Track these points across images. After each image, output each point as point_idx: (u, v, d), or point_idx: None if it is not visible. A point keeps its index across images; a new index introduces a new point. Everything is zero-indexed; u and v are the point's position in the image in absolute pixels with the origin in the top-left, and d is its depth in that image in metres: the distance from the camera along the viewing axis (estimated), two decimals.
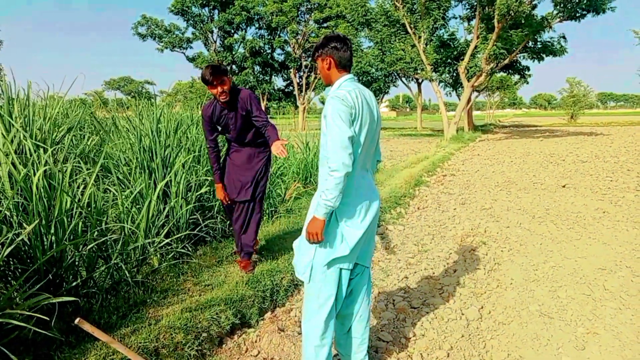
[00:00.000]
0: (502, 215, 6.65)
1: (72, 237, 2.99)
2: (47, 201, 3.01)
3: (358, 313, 2.56)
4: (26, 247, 2.83)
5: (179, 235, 3.99)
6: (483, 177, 10.37)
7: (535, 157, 14.53)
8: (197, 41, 42.85)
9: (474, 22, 26.29)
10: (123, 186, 4.26)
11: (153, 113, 4.90)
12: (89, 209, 3.15)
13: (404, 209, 7.08)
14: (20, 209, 3.00)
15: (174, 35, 41.94)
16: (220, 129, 3.84)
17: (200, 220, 4.54)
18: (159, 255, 3.85)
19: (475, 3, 23.73)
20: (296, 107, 43.22)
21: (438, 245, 5.28)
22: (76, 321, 2.16)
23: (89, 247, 2.98)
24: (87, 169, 3.70)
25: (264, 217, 5.80)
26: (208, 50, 42.64)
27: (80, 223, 3.01)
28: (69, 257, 2.90)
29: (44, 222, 2.87)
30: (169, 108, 6.65)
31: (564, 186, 8.90)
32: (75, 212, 3.05)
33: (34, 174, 3.10)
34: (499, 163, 13.10)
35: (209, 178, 4.83)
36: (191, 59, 42.67)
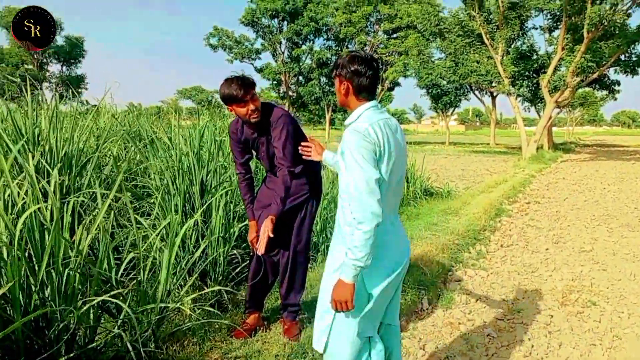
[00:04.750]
0: (608, 262, 5.43)
1: (66, 294, 2.31)
2: (40, 245, 2.37)
3: None
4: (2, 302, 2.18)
5: (209, 289, 3.18)
6: (575, 207, 8.98)
7: (631, 183, 12.75)
8: (266, 52, 43.29)
9: (556, 33, 24.34)
10: (149, 218, 3.59)
11: (196, 128, 4.24)
12: (91, 257, 2.46)
13: (485, 247, 6.01)
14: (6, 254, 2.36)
15: (244, 47, 42.60)
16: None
17: (240, 258, 3.80)
18: (189, 302, 3.13)
19: (559, 13, 21.88)
20: None
21: (533, 303, 4.22)
22: None
23: (85, 307, 2.29)
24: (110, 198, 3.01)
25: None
26: (276, 61, 42.94)
27: (78, 277, 2.32)
28: (57, 322, 2.22)
29: (29, 273, 2.22)
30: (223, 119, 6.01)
31: None
32: (75, 261, 2.36)
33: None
34: (590, 190, 11.53)
35: None
36: (259, 70, 43.16)
